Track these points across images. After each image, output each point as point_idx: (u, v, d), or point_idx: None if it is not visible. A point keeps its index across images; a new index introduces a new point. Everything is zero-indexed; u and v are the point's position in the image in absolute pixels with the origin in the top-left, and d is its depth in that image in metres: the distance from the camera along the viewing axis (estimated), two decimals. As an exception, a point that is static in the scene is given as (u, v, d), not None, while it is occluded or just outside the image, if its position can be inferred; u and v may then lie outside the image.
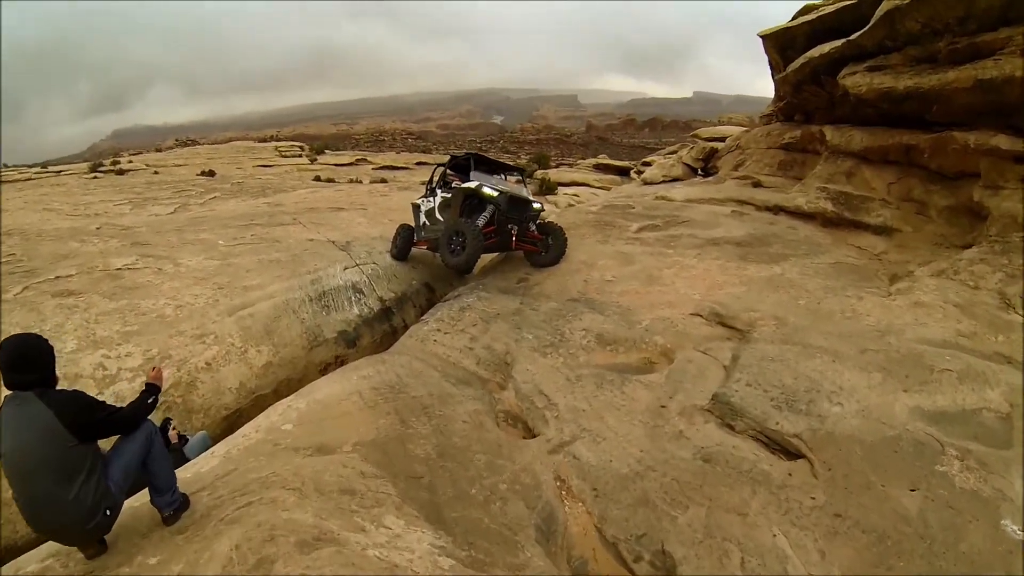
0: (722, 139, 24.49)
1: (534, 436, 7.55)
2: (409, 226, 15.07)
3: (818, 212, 13.12)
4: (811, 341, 7.90)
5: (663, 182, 22.13)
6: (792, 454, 6.24)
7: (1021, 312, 7.98)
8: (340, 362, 11.40)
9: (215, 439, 8.31)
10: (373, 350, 12.01)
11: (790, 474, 5.94)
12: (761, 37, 17.55)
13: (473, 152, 14.05)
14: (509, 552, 5.49)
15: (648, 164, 42.58)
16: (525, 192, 13.70)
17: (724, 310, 9.18)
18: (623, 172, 44.88)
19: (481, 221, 12.05)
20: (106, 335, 9.79)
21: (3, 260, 11.96)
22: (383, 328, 12.84)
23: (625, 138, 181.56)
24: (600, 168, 47.14)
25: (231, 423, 9.39)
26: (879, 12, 11.42)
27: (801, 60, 14.72)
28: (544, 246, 12.65)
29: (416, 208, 14.59)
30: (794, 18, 16.43)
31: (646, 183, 23.02)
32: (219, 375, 9.98)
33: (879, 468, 5.70)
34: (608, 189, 32.89)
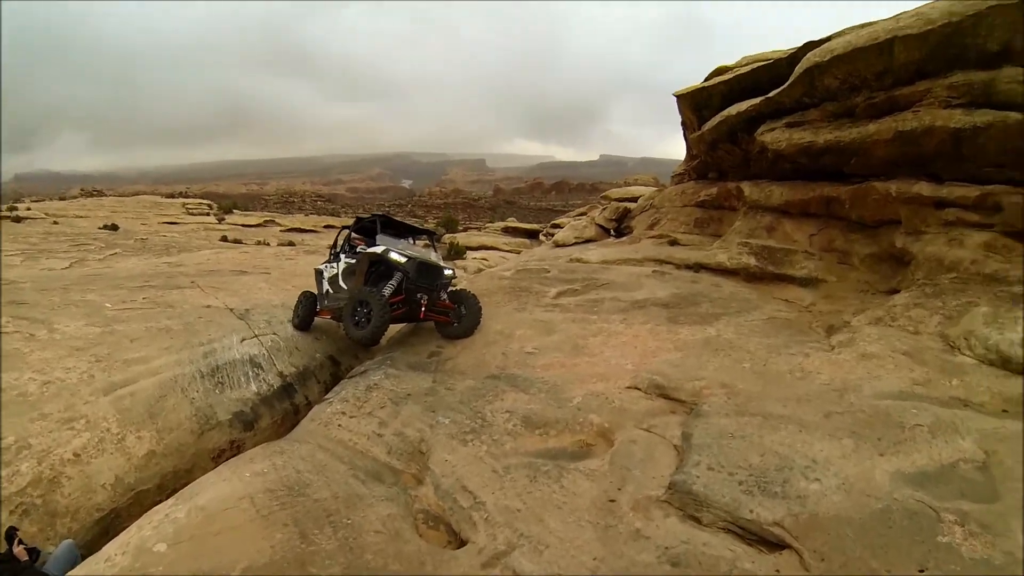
0: (634, 199, 24.30)
1: (461, 543, 6.15)
2: (312, 293, 13.68)
3: (741, 268, 12.77)
4: (769, 410, 7.03)
5: (576, 243, 21.43)
6: (773, 544, 5.24)
7: (968, 353, 7.63)
8: (236, 447, 9.89)
9: (85, 549, 6.86)
10: (274, 433, 10.58)
11: (777, 570, 4.95)
12: (676, 96, 17.44)
13: (380, 214, 12.92)
14: None
15: (558, 226, 42.50)
16: (435, 257, 12.53)
17: (664, 380, 8.15)
18: (532, 235, 45.41)
19: (388, 290, 10.85)
20: None
21: None
22: (284, 407, 11.28)
23: (532, 201, 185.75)
24: (509, 231, 47.36)
25: (105, 527, 7.74)
26: (798, 69, 11.57)
27: (718, 119, 14.68)
28: (457, 316, 11.51)
29: (319, 274, 13.21)
30: (708, 79, 16.44)
31: (558, 245, 22.26)
32: (90, 468, 8.12)
33: (878, 551, 4.85)
34: (518, 252, 32.84)
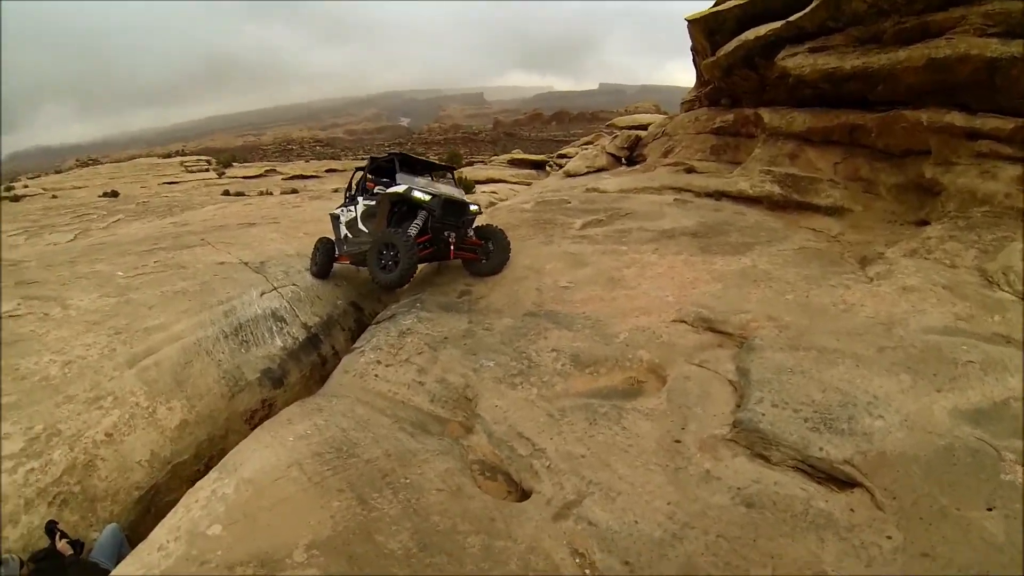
0: (643, 127, 24.18)
1: (524, 493, 5.87)
2: (329, 239, 13.26)
3: (764, 196, 12.46)
4: (822, 343, 6.80)
5: (588, 173, 21.14)
6: (844, 483, 5.11)
7: (1007, 289, 7.53)
8: (268, 407, 9.60)
9: (129, 530, 6.84)
10: (303, 387, 10.32)
11: (852, 510, 4.83)
12: (688, 21, 17.01)
13: (397, 152, 12.29)
14: None
15: (565, 156, 42.19)
16: (459, 193, 11.97)
17: (710, 313, 7.90)
18: (538, 166, 45.06)
19: (413, 230, 10.38)
20: None
21: None
22: (311, 360, 10.98)
23: (533, 132, 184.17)
24: (515, 163, 46.90)
25: (146, 505, 7.49)
26: None
27: (735, 43, 14.19)
28: (484, 252, 11.12)
29: (335, 219, 12.82)
30: (719, 2, 16.03)
31: (569, 175, 21.97)
32: (124, 447, 7.71)
33: (946, 488, 4.79)
34: (527, 184, 32.48)
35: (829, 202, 11.49)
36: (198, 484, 6.22)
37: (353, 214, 12.09)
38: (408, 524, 5.21)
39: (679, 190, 14.17)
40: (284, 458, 6.23)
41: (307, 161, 79.58)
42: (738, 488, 5.16)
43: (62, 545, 5.95)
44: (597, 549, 4.88)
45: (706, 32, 16.03)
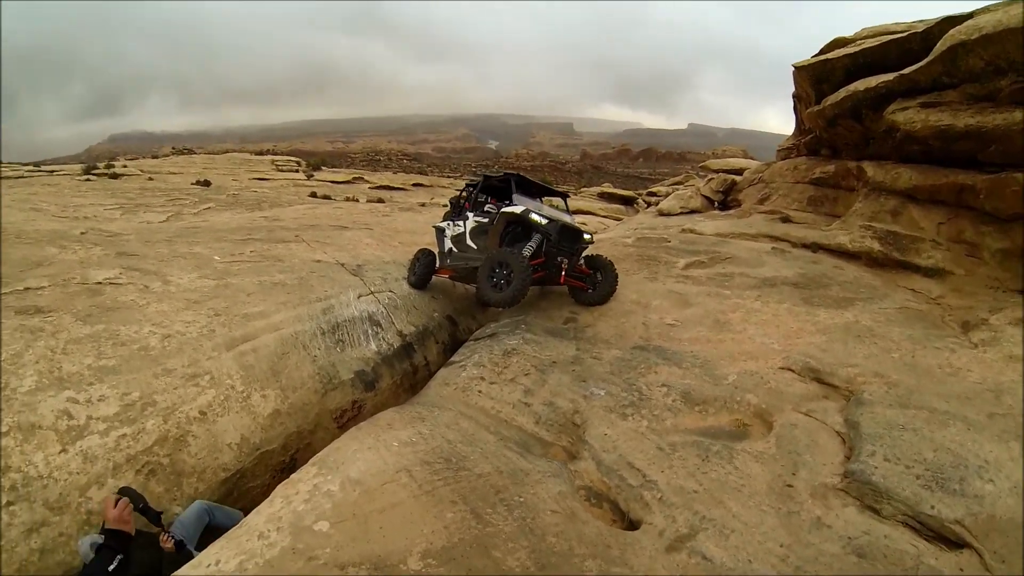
0: (735, 171, 24.01)
1: (631, 523, 5.79)
2: (430, 251, 13.29)
3: (863, 251, 12.09)
4: (932, 404, 6.63)
5: (681, 213, 21.05)
6: (953, 543, 5.02)
7: None
8: (357, 408, 9.60)
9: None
10: (392, 394, 10.35)
11: (961, 570, 4.78)
12: (795, 68, 16.77)
13: (513, 172, 12.29)
14: None
15: (654, 194, 42.03)
16: (573, 220, 11.84)
17: (818, 364, 7.74)
18: (628, 202, 44.80)
19: (527, 252, 10.27)
20: (75, 371, 7.50)
21: None
22: (403, 367, 10.96)
23: (620, 167, 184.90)
24: (604, 197, 46.56)
25: (230, 488, 7.53)
26: (940, 47, 10.78)
27: (842, 94, 13.85)
28: (592, 282, 11.02)
29: (440, 232, 12.77)
30: (824, 51, 15.97)
31: (662, 214, 21.87)
32: (216, 427, 7.76)
33: None
34: (618, 219, 32.40)
35: (930, 263, 11.16)
36: (295, 477, 6.28)
37: (461, 229, 12.07)
38: (525, 543, 5.20)
39: (776, 239, 13.99)
40: (392, 463, 6.26)
41: (394, 173, 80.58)
42: (849, 538, 5.11)
43: (165, 540, 5.88)
44: None
45: (813, 80, 15.84)
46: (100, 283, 10.00)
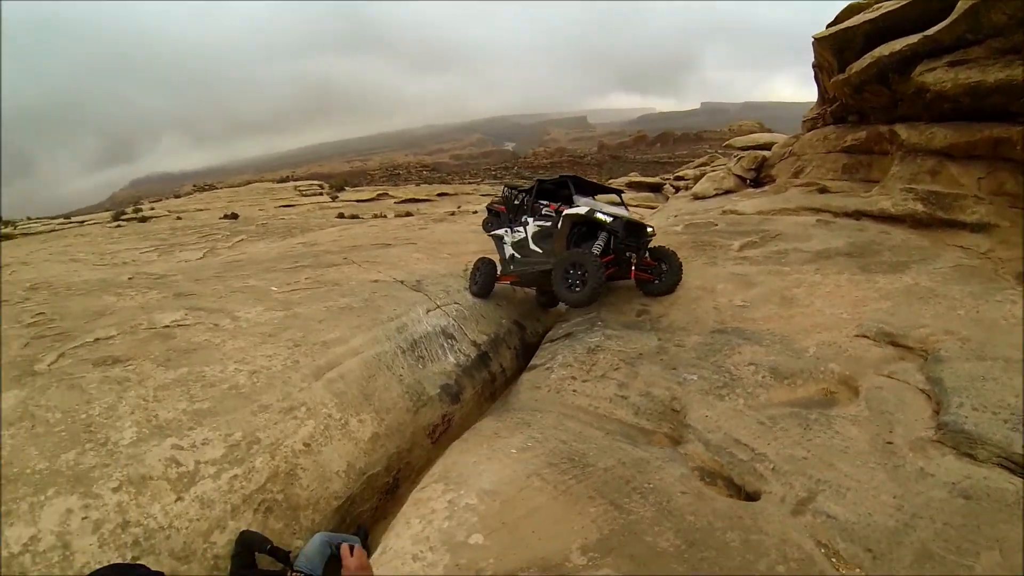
0: (763, 147, 23.97)
1: (748, 496, 6.20)
2: (490, 259, 13.62)
3: (907, 214, 12.36)
4: (1006, 354, 7.09)
5: (716, 195, 21.24)
6: None
7: None
8: (447, 422, 9.89)
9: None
10: (476, 403, 10.69)
11: None
12: (815, 39, 17.05)
13: (569, 174, 12.64)
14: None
15: (682, 178, 42.01)
16: (633, 215, 12.19)
17: (890, 328, 8.14)
18: (655, 188, 44.83)
19: (596, 250, 10.63)
20: (172, 417, 7.37)
21: (32, 321, 9.60)
22: (482, 376, 11.29)
23: (638, 155, 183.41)
24: (632, 186, 46.64)
25: (342, 516, 7.63)
26: (961, 6, 10.98)
27: (867, 60, 14.08)
28: (658, 273, 11.32)
29: (499, 240, 13.15)
30: (839, 19, 16.36)
31: (697, 197, 22.03)
32: (322, 457, 7.81)
33: None
34: (652, 207, 32.52)
35: (975, 219, 11.38)
36: (419, 496, 6.61)
37: (522, 235, 12.40)
38: (668, 524, 5.56)
39: (817, 211, 14.20)
40: (519, 469, 6.63)
41: (417, 185, 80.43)
42: (953, 483, 5.49)
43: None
44: (840, 539, 5.25)
45: (834, 49, 16.03)
46: (168, 326, 9.88)
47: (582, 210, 11.06)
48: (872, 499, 5.59)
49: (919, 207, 12.26)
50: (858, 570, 5.00)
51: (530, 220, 12.30)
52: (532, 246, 12.18)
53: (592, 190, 12.78)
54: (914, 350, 7.68)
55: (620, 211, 11.70)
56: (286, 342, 9.74)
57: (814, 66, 19.23)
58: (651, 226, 11.86)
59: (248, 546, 6.18)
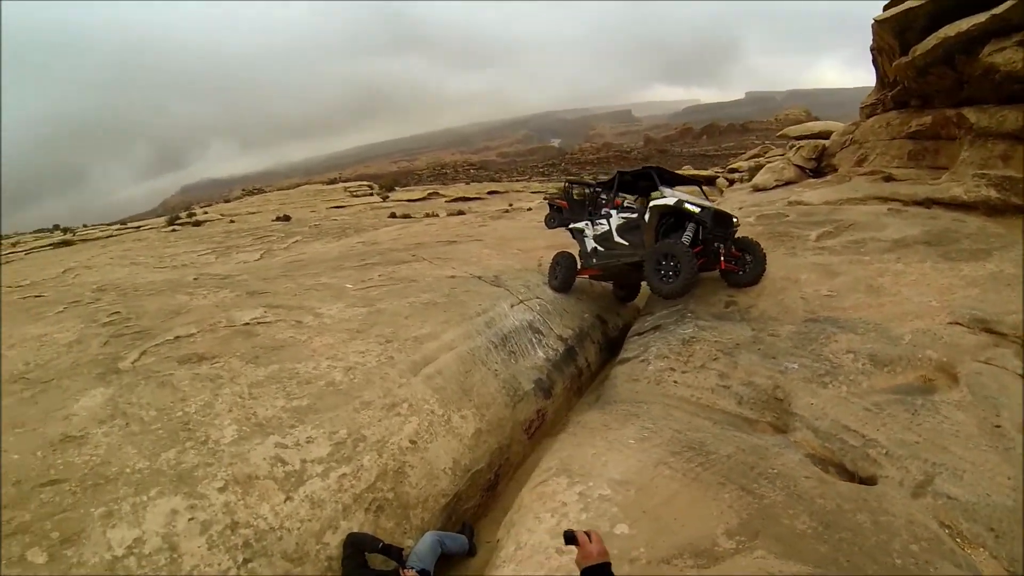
0: (819, 135, 23.88)
1: (861, 480, 6.41)
2: (570, 254, 13.81)
3: (980, 201, 12.41)
4: None
5: (777, 186, 21.38)
6: None
7: None
8: (541, 417, 10.08)
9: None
10: (566, 398, 10.92)
11: None
12: (876, 21, 16.88)
13: (652, 166, 12.65)
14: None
15: (735, 170, 42.05)
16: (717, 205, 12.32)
17: (984, 315, 8.31)
18: (709, 182, 44.90)
19: (686, 241, 10.89)
20: (271, 415, 7.33)
21: (108, 320, 9.64)
22: (570, 371, 11.49)
23: (684, 147, 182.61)
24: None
25: (448, 514, 7.66)
26: None
27: (933, 41, 13.86)
28: (742, 264, 11.40)
29: (579, 233, 13.35)
30: (893, 2, 16.12)
31: (757, 189, 22.14)
32: (428, 455, 7.81)
33: None
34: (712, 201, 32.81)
35: (1052, 204, 11.27)
36: (542, 490, 6.77)
37: (606, 227, 12.58)
38: (800, 507, 5.81)
39: (885, 200, 14.28)
40: (644, 459, 6.85)
41: (466, 184, 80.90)
42: (1065, 462, 5.74)
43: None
44: (962, 519, 5.52)
45: (895, 31, 15.91)
46: (248, 324, 9.91)
47: (670, 200, 11.28)
48: (988, 480, 5.82)
49: (992, 193, 12.27)
50: (982, 549, 5.25)
51: (613, 213, 12.50)
52: (617, 238, 12.35)
53: (674, 181, 12.86)
54: (1008, 336, 7.85)
55: (706, 202, 11.85)
56: (376, 338, 9.81)
57: (872, 49, 19.12)
58: (736, 216, 12.02)
59: (358, 547, 6.21)
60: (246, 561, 5.57)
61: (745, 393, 8.34)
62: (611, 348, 13.28)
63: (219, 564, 5.43)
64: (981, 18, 12.26)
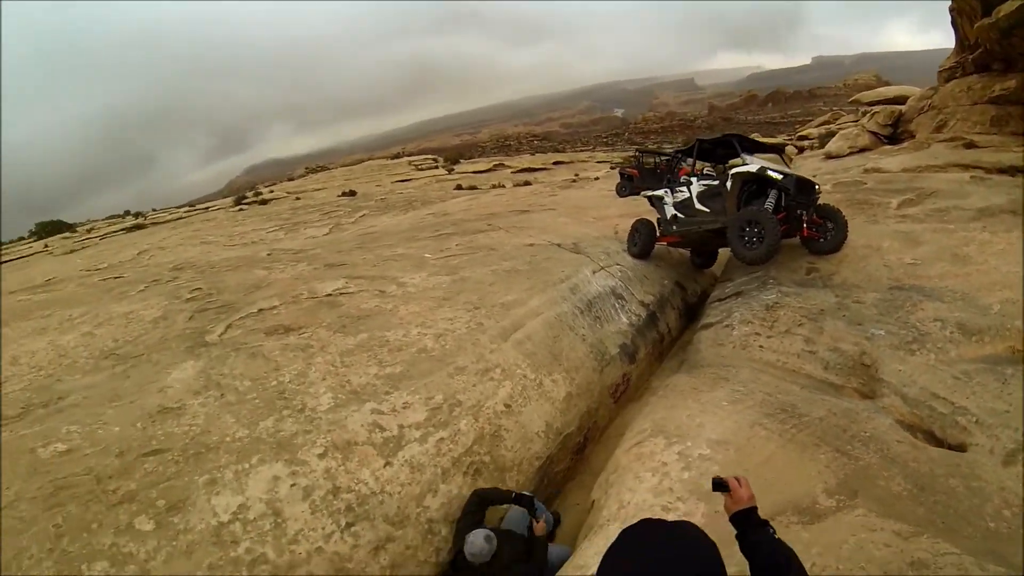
0: (894, 100, 23.68)
1: (949, 447, 6.56)
2: (649, 221, 14.01)
3: None
4: None
5: (851, 153, 21.18)
6: None
7: None
8: (627, 381, 10.31)
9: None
10: (648, 363, 11.16)
11: None
12: None
13: (733, 133, 12.87)
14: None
15: (804, 137, 41.72)
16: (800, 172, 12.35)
17: None
18: (778, 149, 44.74)
19: (769, 207, 11.01)
20: (365, 382, 7.57)
21: (190, 296, 10.19)
22: (652, 336, 11.73)
23: (749, 115, 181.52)
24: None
25: (541, 476, 7.84)
26: None
27: (1019, 1, 13.69)
28: (823, 231, 11.49)
29: (658, 200, 13.49)
30: None
31: (831, 156, 21.99)
32: (522, 418, 8.00)
33: None
34: None
35: None
36: (639, 451, 6.97)
37: (686, 194, 12.78)
38: (895, 470, 6.02)
39: (967, 167, 14.16)
40: (740, 420, 7.08)
41: (532, 154, 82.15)
42: None
43: (540, 526, 6.31)
44: None
45: (979, -9, 15.48)
46: (331, 295, 10.25)
47: (753, 168, 11.43)
48: None
49: (1083, 161, 11.95)
50: None
51: (694, 180, 12.70)
52: (698, 205, 12.55)
53: (755, 148, 12.93)
54: (1096, 308, 7.90)
55: (788, 169, 11.96)
56: (464, 305, 10.11)
57: (952, 10, 18.81)
58: (818, 184, 12.09)
59: (484, 501, 6.40)
60: (349, 525, 5.75)
61: (831, 359, 8.49)
62: (690, 314, 13.55)
63: (323, 528, 5.61)
64: (1070, -24, 11.89)
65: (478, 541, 5.66)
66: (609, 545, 2.22)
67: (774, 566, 2.69)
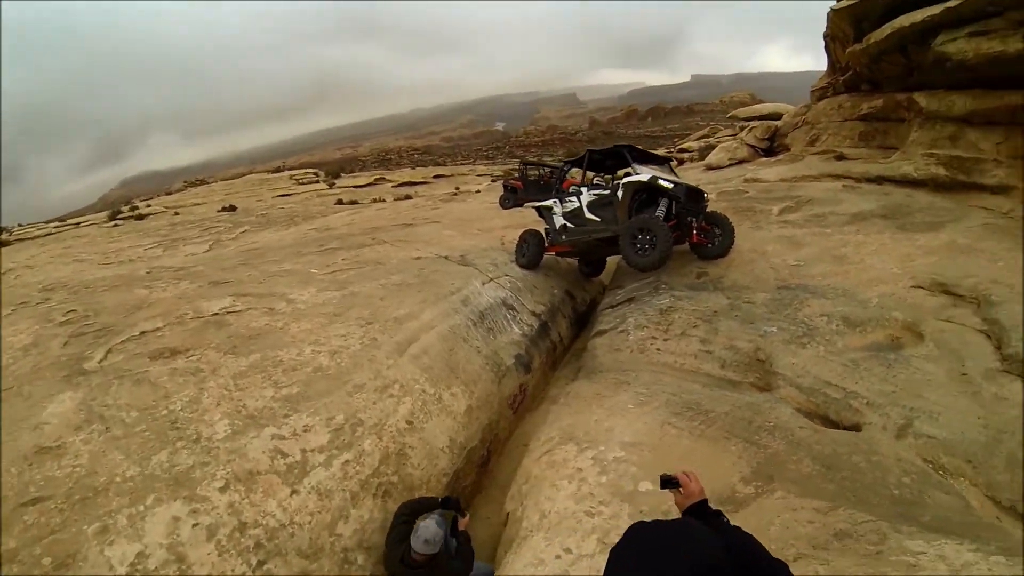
0: (768, 116, 24.69)
1: (846, 428, 7.11)
2: (537, 231, 14.21)
3: (929, 178, 13.53)
4: None
5: (731, 165, 22.31)
6: None
7: None
8: (524, 391, 10.45)
9: None
10: (543, 372, 11.36)
11: None
12: (833, 10, 17.98)
13: (624, 144, 13.10)
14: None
15: (684, 150, 43.02)
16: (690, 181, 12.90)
17: (943, 279, 9.21)
18: (661, 161, 46.02)
19: (660, 215, 11.42)
20: (262, 405, 7.06)
21: (64, 319, 9.20)
22: (546, 345, 11.96)
23: (630, 129, 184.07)
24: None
25: (451, 492, 7.46)
26: None
27: (888, 30, 14.96)
28: (712, 237, 12.05)
29: (547, 211, 13.74)
30: None
31: (711, 167, 23.08)
32: (425, 434, 7.76)
33: None
34: None
35: (995, 181, 12.52)
36: (551, 459, 6.98)
37: (576, 204, 13.06)
38: (802, 453, 6.49)
39: (838, 177, 15.28)
40: (649, 421, 7.38)
41: (412, 169, 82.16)
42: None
43: (465, 521, 6.41)
44: (942, 454, 6.39)
45: (852, 20, 16.92)
46: (218, 314, 9.64)
47: (644, 177, 11.81)
48: (961, 420, 6.67)
49: (941, 171, 13.36)
50: (962, 478, 6.11)
51: (583, 189, 13.03)
52: (588, 215, 12.84)
53: (646, 159, 13.23)
54: (966, 298, 8.73)
55: (680, 178, 12.51)
56: (356, 320, 9.76)
57: (826, 36, 20.25)
58: (707, 192, 12.67)
59: (414, 512, 6.21)
60: (260, 563, 5.42)
61: (728, 357, 8.98)
62: (581, 322, 13.91)
63: (232, 570, 5.25)
64: (935, 10, 13.29)
65: (431, 526, 5.64)
66: (613, 546, 2.40)
67: (740, 547, 2.78)
